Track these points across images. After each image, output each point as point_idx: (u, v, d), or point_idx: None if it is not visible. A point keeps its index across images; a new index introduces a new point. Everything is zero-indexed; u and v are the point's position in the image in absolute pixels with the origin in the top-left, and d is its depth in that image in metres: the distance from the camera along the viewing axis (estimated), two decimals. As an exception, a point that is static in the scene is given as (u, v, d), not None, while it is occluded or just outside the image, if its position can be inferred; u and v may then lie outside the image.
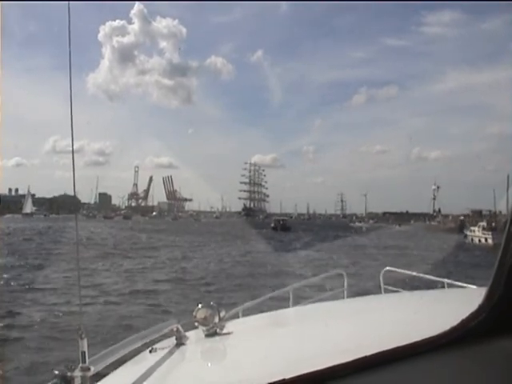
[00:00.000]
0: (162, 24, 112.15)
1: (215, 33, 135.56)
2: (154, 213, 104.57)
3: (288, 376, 0.87)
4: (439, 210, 65.83)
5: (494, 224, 33.82)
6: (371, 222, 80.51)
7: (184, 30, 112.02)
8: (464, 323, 0.92)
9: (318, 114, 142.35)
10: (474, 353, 0.90)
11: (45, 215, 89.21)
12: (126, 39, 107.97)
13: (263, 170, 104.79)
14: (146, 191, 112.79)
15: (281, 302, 2.95)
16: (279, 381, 0.86)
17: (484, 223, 35.63)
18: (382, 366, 0.87)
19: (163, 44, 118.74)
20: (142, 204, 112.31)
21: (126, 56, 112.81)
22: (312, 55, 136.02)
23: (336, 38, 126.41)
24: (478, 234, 35.03)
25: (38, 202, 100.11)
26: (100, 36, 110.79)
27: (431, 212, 66.88)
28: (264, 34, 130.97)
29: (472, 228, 37.27)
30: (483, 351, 0.90)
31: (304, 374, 0.87)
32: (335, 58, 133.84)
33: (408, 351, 0.91)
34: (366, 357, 0.89)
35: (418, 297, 2.25)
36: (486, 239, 33.09)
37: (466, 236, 36.94)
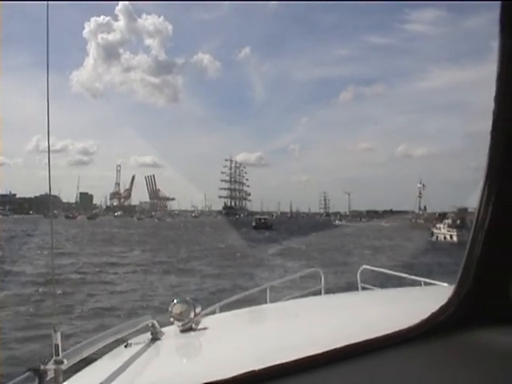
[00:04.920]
0: (147, 21, 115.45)
1: (201, 30, 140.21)
2: (119, 212, 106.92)
3: (259, 367, 0.92)
4: (425, 208, 69.20)
5: (458, 221, 37.26)
6: (350, 220, 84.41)
7: (170, 27, 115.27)
8: (433, 317, 0.98)
9: (304, 111, 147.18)
10: (442, 346, 0.95)
11: (5, 215, 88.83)
12: (111, 36, 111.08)
13: (244, 168, 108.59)
14: (129, 190, 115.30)
15: (258, 300, 3.26)
16: (249, 372, 0.92)
17: (449, 221, 39.27)
18: (352, 358, 0.93)
19: (149, 41, 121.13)
20: (125, 203, 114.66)
21: (110, 53, 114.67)
22: (297, 53, 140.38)
23: (320, 36, 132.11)
24: (443, 232, 38.71)
25: (17, 201, 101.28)
26: (85, 33, 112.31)
27: (417, 210, 70.32)
28: (250, 31, 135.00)
29: (438, 225, 40.90)
30: (451, 344, 0.95)
31: (274, 365, 0.92)
32: (320, 56, 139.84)
33: (377, 344, 0.96)
34: (336, 349, 0.94)
35: (392, 294, 2.41)
36: (450, 236, 36.86)
37: (432, 234, 40.37)
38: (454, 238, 35.68)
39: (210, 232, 46.77)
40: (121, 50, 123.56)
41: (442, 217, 43.24)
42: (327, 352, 0.95)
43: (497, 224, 0.92)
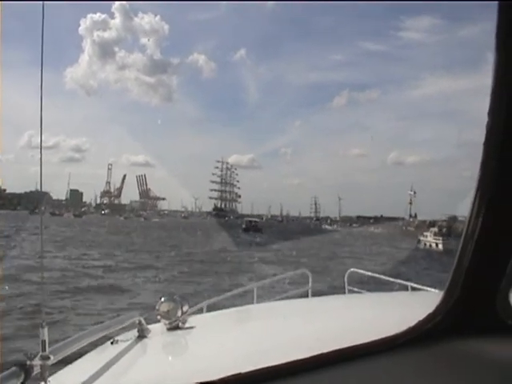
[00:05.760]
0: (144, 20, 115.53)
1: (198, 30, 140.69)
2: (106, 210, 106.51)
3: (245, 370, 0.93)
4: (415, 215, 69.57)
5: (444, 230, 38.24)
6: (340, 225, 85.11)
7: (166, 27, 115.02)
8: (420, 325, 0.99)
9: (297, 115, 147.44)
10: (428, 354, 0.95)
11: None
12: (107, 34, 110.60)
13: (235, 169, 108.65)
14: (119, 189, 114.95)
15: (246, 300, 3.27)
16: (235, 374, 0.92)
17: (435, 229, 40.03)
18: (337, 364, 0.94)
19: (145, 40, 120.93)
20: (115, 202, 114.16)
21: (106, 51, 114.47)
22: (292, 56, 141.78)
23: (316, 40, 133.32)
24: (429, 240, 39.33)
25: (7, 197, 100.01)
26: (80, 30, 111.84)
27: (407, 217, 70.75)
28: (246, 33, 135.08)
29: (425, 233, 41.59)
30: (438, 353, 0.95)
31: (260, 369, 0.93)
32: (315, 60, 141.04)
33: (363, 350, 0.97)
34: (322, 354, 0.95)
35: (379, 298, 2.42)
36: (436, 244, 37.47)
37: (419, 241, 40.93)
38: (440, 246, 36.30)
39: (195, 234, 45.45)
40: (116, 48, 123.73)
41: (431, 225, 43.74)
42: (314, 357, 0.96)
43: (487, 234, 0.93)
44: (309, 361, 0.95)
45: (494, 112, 0.87)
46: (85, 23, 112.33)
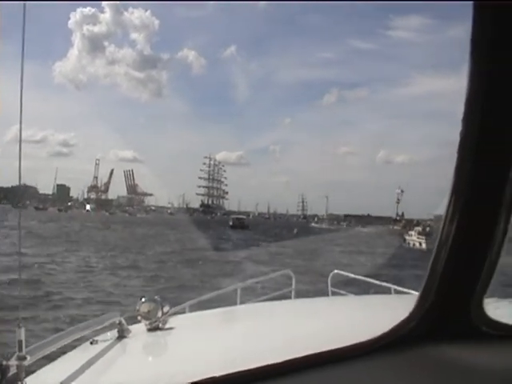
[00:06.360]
0: (134, 15, 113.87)
1: (188, 26, 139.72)
2: (92, 205, 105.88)
3: (219, 373, 0.93)
4: (402, 214, 70.00)
5: (428, 229, 38.40)
6: (328, 223, 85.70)
7: (156, 22, 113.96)
8: (395, 330, 0.99)
9: (287, 113, 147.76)
10: (402, 359, 0.97)
11: None
12: (97, 28, 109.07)
13: (223, 166, 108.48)
14: (107, 184, 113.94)
15: (229, 300, 3.25)
16: (210, 378, 0.92)
17: (419, 228, 40.60)
18: (310, 369, 0.94)
19: (135, 35, 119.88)
20: (102, 197, 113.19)
21: (95, 45, 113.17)
22: (283, 53, 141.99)
23: (306, 38, 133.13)
24: (414, 239, 40.00)
25: None
26: (70, 23, 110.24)
27: (394, 216, 71.44)
28: (237, 30, 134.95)
29: (410, 232, 42.35)
30: (412, 358, 0.96)
31: (234, 373, 0.93)
32: (305, 58, 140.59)
33: (337, 355, 0.97)
34: (296, 358, 0.96)
35: (361, 301, 2.46)
36: (420, 243, 38.01)
37: (405, 240, 41.66)
38: (423, 245, 36.72)
39: (178, 230, 43.76)
40: (106, 43, 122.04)
41: (417, 224, 43.67)
42: (288, 361, 0.96)
43: (461, 239, 0.93)
44: (283, 365, 0.96)
45: (468, 118, 0.87)
46: (74, 17, 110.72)
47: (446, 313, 0.99)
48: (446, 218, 0.93)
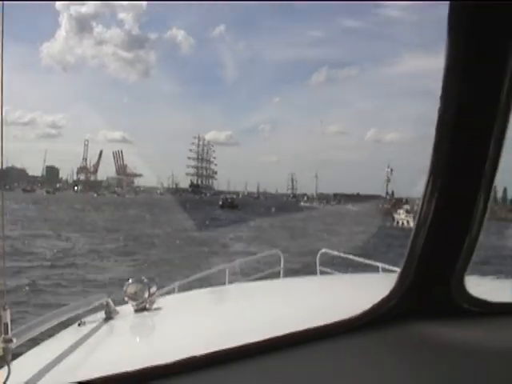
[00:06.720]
0: None
1: (177, 5, 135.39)
2: (79, 187, 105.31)
3: (199, 353, 0.93)
4: (392, 193, 69.61)
5: (416, 207, 39.73)
6: (318, 202, 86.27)
7: (145, 2, 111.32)
8: (374, 308, 1.00)
9: (276, 92, 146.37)
10: (383, 338, 0.97)
11: None
12: (84, 9, 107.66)
13: (212, 146, 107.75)
14: (96, 166, 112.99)
15: (218, 280, 3.32)
16: (190, 357, 0.92)
17: (408, 206, 41.09)
18: (291, 347, 0.94)
19: (122, 15, 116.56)
20: (92, 178, 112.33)
21: (83, 26, 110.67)
22: (271, 33, 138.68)
23: (294, 16, 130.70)
24: (402, 217, 40.62)
25: None
26: (57, 4, 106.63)
27: (384, 195, 71.06)
28: (226, 9, 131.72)
29: (398, 211, 42.83)
30: (392, 337, 0.97)
31: (214, 352, 0.93)
32: (294, 37, 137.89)
33: (318, 333, 0.98)
34: (277, 337, 0.96)
35: (348, 280, 2.51)
36: (407, 222, 38.47)
37: (393, 218, 42.33)
38: (411, 224, 37.18)
39: (167, 210, 42.33)
40: (93, 23, 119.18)
41: (406, 202, 43.90)
42: (266, 340, 0.96)
43: (439, 220, 0.93)
44: (263, 344, 0.96)
45: (445, 96, 0.86)
46: None
47: (427, 291, 1.00)
48: (424, 198, 0.93)
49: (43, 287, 11.88)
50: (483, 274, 1.79)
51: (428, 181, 0.91)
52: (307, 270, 5.48)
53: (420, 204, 0.94)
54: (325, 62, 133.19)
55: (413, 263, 0.98)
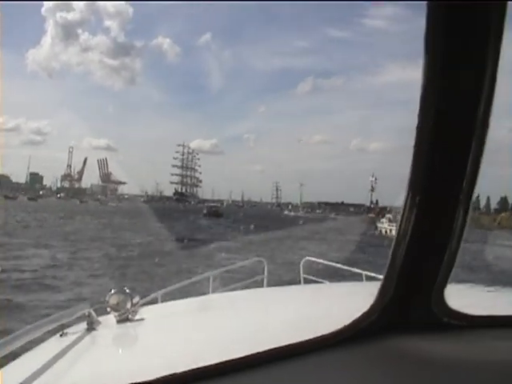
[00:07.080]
0: (108, 2, 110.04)
1: (163, 13, 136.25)
2: (62, 194, 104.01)
3: (180, 370, 0.91)
4: (376, 202, 71.39)
5: (398, 216, 40.40)
6: (303, 211, 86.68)
7: (131, 10, 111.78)
8: (355, 323, 0.99)
9: (261, 101, 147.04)
10: (364, 353, 0.96)
11: None
12: (71, 15, 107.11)
13: (197, 154, 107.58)
14: (80, 173, 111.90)
15: (202, 288, 3.28)
16: (170, 375, 0.91)
17: (390, 215, 41.45)
18: (273, 363, 0.93)
19: (109, 22, 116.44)
20: (76, 186, 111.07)
21: (69, 33, 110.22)
22: (257, 41, 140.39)
23: (281, 26, 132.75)
24: (385, 226, 41.02)
25: None
26: (43, 11, 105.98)
27: (368, 204, 72.96)
28: (212, 18, 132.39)
29: (381, 220, 43.39)
30: (373, 351, 0.96)
31: (195, 369, 0.92)
32: (280, 46, 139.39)
33: (300, 349, 0.96)
34: (258, 353, 0.95)
35: (331, 289, 2.50)
36: (390, 230, 38.49)
37: (376, 227, 42.81)
38: (393, 232, 37.68)
39: (149, 219, 41.42)
40: (79, 30, 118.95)
41: (389, 211, 44.15)
42: (250, 356, 0.95)
43: (418, 234, 0.93)
44: (244, 361, 0.94)
45: (424, 108, 0.86)
46: (48, 4, 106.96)
47: (407, 305, 1.00)
48: (403, 212, 0.92)
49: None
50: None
51: (407, 195, 0.91)
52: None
53: (400, 218, 0.94)
54: (311, 72, 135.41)
55: (393, 277, 0.98)
